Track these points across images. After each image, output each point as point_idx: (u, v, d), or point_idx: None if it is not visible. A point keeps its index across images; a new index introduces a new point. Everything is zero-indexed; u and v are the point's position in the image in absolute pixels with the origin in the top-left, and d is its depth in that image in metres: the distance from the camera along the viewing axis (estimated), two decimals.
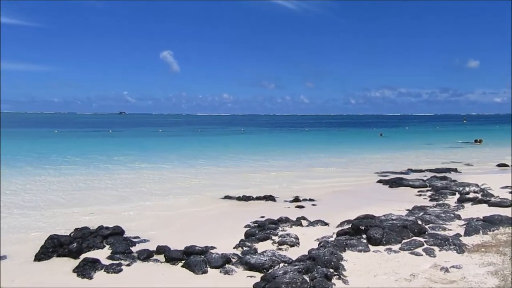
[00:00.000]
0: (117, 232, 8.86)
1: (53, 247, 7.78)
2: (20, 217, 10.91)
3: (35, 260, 7.59)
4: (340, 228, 9.20)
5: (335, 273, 6.35)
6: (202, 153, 28.61)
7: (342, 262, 6.89)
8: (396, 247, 7.71)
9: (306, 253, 7.26)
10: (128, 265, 7.31)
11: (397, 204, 11.90)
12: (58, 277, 6.85)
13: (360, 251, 7.55)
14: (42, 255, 7.67)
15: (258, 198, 13.37)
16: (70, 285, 6.48)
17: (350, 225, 8.93)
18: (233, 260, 7.32)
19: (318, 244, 8.06)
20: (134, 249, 8.15)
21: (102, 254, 7.74)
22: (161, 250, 7.80)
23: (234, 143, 41.98)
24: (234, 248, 8.16)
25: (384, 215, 9.37)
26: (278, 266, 6.84)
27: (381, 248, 7.70)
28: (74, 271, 6.98)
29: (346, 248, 7.63)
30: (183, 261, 7.31)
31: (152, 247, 8.08)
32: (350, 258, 7.19)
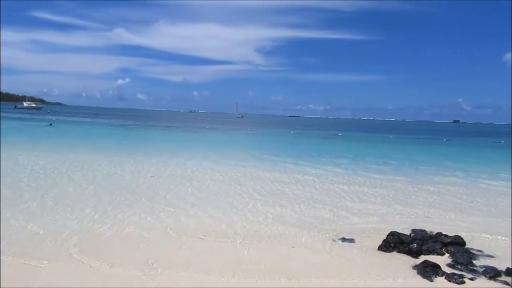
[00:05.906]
0: (458, 242, 8.47)
1: (394, 243, 8.27)
2: (365, 213, 12.11)
3: (378, 249, 8.31)
4: None
5: None
6: None
7: None
8: None
9: None
10: (471, 279, 6.87)
11: None
12: (398, 270, 7.24)
13: None
14: (384, 247, 8.29)
15: None
16: (411, 281, 6.74)
17: None
18: None
19: None
20: (477, 263, 7.59)
21: (441, 260, 7.62)
22: (510, 272, 6.91)
23: None
24: None
25: None
26: None
27: None
28: (413, 268, 7.21)
29: None
30: None
31: (498, 265, 7.30)
32: None
